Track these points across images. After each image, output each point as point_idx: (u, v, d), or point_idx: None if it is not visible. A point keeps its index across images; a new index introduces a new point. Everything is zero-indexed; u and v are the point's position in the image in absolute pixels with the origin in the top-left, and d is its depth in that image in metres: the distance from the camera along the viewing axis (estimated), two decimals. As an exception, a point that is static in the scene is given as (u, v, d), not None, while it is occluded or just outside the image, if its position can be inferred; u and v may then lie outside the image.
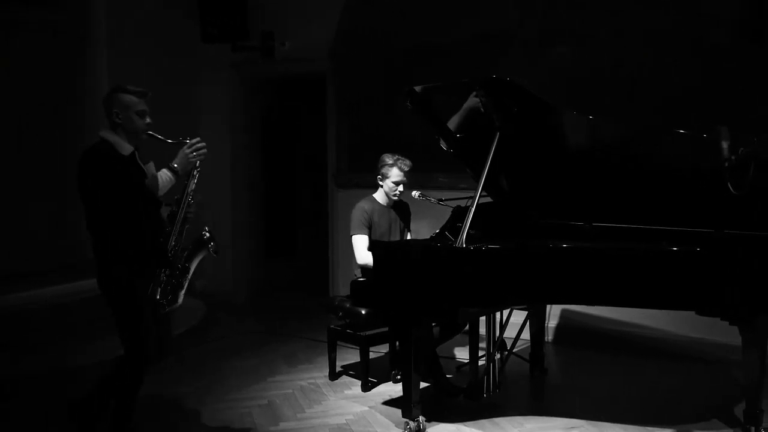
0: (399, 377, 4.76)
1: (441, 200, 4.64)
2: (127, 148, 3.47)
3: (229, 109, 7.18)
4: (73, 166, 6.20)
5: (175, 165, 3.64)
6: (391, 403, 4.41)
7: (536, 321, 4.74)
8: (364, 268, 4.59)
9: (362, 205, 4.77)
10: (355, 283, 4.03)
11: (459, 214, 4.22)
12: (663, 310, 5.07)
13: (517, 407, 4.27)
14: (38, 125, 6.40)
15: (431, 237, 4.20)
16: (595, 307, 5.32)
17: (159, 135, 3.57)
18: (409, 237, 4.93)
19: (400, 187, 4.74)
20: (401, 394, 4.49)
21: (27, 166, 6.30)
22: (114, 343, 5.06)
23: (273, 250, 7.99)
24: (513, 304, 4.19)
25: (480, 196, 3.78)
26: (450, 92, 4.06)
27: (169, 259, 3.57)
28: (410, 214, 4.97)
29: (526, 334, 4.79)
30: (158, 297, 3.59)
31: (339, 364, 4.99)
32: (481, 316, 4.09)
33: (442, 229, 4.19)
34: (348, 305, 4.72)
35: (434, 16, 6.17)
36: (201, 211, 3.80)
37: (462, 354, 5.28)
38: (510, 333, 4.67)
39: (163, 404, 4.39)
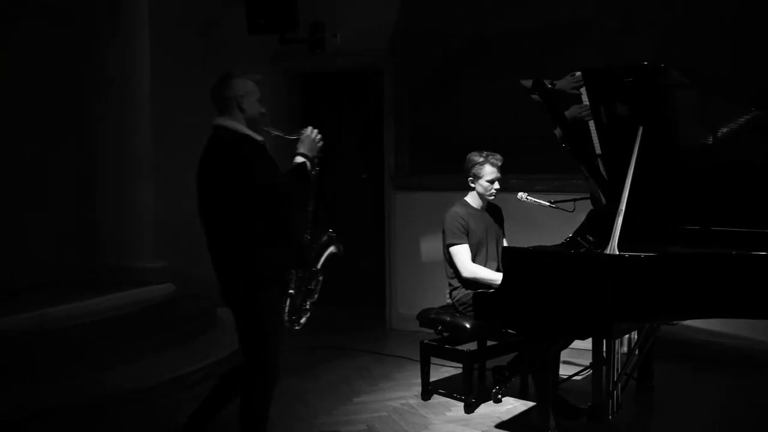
0: (500, 396, 4.38)
1: (552, 203, 4.27)
2: (258, 137, 3.12)
3: (271, 107, 6.67)
4: (88, 170, 5.58)
5: (303, 151, 3.23)
6: (504, 426, 4.02)
7: (647, 334, 4.38)
8: (468, 281, 4.22)
9: (457, 211, 4.37)
10: (480, 295, 3.61)
11: (594, 218, 3.84)
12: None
13: (645, 430, 3.92)
14: (49, 125, 5.85)
15: (563, 243, 3.81)
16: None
17: (279, 131, 3.26)
18: (505, 242, 4.55)
19: (496, 185, 4.36)
20: (509, 415, 4.18)
21: (34, 168, 5.74)
22: (137, 370, 4.67)
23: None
24: (677, 318, 3.82)
25: (627, 200, 3.40)
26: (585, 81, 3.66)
27: (311, 267, 3.18)
28: (503, 218, 4.59)
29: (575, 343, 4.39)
30: (287, 315, 3.20)
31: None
32: (633, 330, 3.72)
33: (575, 234, 3.81)
34: (448, 318, 4.32)
35: (500, 3, 5.80)
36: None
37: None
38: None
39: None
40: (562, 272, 3.28)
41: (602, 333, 3.33)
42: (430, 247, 5.99)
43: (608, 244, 3.39)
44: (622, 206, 3.38)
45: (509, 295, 3.44)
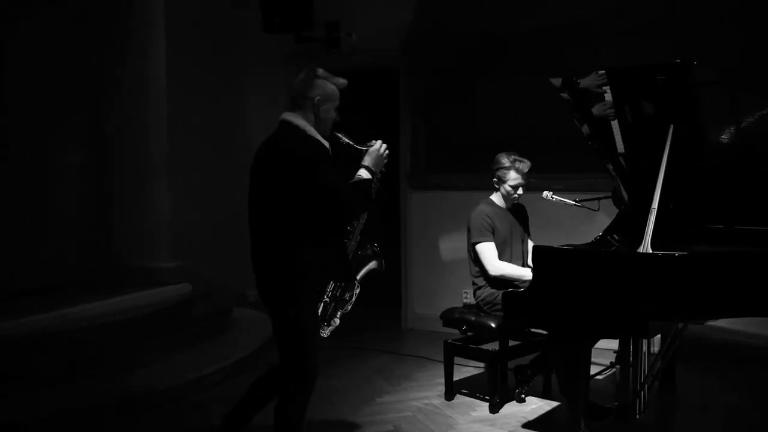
0: (524, 396, 4.36)
1: (577, 201, 4.26)
2: (324, 141, 3.06)
3: (285, 105, 6.61)
4: (103, 170, 5.33)
5: (368, 164, 3.17)
6: (530, 426, 4.00)
7: (675, 334, 4.36)
8: (494, 279, 4.21)
9: (483, 209, 4.35)
10: (510, 295, 3.59)
11: (624, 217, 3.82)
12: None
13: (671, 429, 3.91)
14: (63, 125, 5.81)
15: (593, 241, 3.80)
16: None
17: (347, 138, 3.18)
18: (530, 243, 4.52)
19: (520, 191, 4.34)
20: (534, 415, 4.16)
21: (49, 168, 5.70)
22: (154, 372, 4.65)
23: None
24: (713, 317, 3.79)
25: (659, 198, 3.40)
26: (613, 79, 3.65)
27: (352, 275, 3.14)
28: (528, 218, 4.57)
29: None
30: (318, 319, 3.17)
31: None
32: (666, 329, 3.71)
33: (605, 233, 3.79)
34: (473, 318, 4.30)
35: (516, 3, 5.78)
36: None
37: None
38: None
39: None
40: (596, 271, 3.26)
41: (638, 332, 3.31)
42: (449, 245, 5.99)
43: (640, 242, 3.39)
44: (655, 204, 3.37)
45: (541, 295, 3.42)
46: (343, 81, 3.17)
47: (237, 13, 6.76)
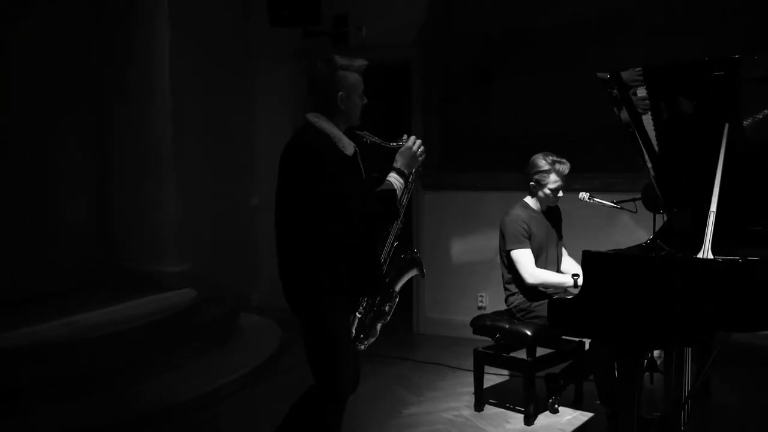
0: (557, 406, 4.18)
1: (615, 202, 4.08)
2: (348, 145, 2.79)
3: (293, 103, 6.38)
4: (106, 172, 5.07)
5: (400, 166, 2.92)
6: (569, 439, 3.82)
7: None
8: (529, 287, 4.02)
9: (519, 214, 4.14)
10: (558, 303, 3.38)
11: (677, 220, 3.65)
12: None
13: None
14: (67, 124, 5.52)
15: (643, 245, 3.61)
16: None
17: (376, 137, 2.93)
18: (563, 248, 4.34)
19: (560, 194, 4.14)
20: (570, 426, 4.00)
21: (51, 170, 5.41)
22: (164, 384, 4.38)
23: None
24: None
25: (717, 201, 3.22)
26: (662, 75, 3.48)
27: (387, 289, 2.91)
28: (562, 220, 4.38)
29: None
30: (354, 332, 2.97)
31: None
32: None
33: (655, 237, 3.61)
34: (507, 326, 4.10)
35: (534, -1, 5.62)
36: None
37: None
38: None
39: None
40: (655, 278, 3.06)
41: (701, 342, 3.12)
42: (463, 247, 5.81)
43: (687, 246, 3.22)
44: (713, 207, 3.19)
45: (593, 303, 3.20)
46: (362, 62, 2.92)
47: (243, 10, 6.52)
